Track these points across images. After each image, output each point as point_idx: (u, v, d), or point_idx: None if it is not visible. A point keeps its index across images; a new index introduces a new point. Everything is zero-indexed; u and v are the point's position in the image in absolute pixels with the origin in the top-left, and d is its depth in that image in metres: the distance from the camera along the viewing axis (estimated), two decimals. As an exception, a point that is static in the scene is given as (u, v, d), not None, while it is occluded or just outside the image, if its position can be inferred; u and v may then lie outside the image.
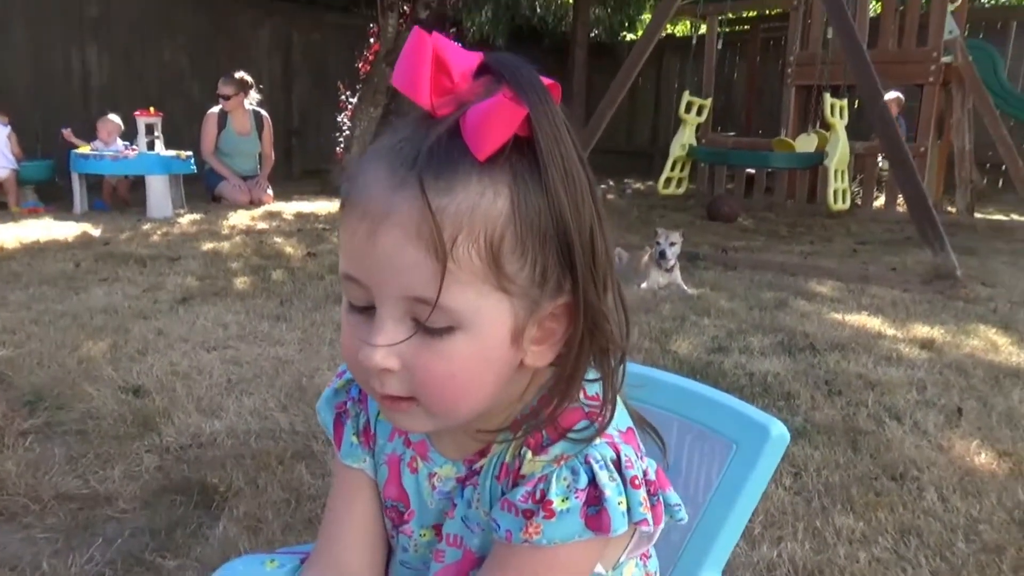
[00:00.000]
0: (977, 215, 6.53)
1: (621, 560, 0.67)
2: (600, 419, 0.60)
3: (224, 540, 1.46)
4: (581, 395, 0.62)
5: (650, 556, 0.75)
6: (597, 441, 0.60)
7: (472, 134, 0.52)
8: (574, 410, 0.61)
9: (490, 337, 0.56)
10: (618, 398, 0.63)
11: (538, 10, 11.66)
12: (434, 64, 0.53)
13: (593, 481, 0.58)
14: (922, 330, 3.01)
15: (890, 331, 3.00)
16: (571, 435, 0.60)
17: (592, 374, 0.63)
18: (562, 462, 0.59)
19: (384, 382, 0.58)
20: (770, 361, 2.58)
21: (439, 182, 0.52)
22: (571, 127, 0.56)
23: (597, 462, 0.59)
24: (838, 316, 3.21)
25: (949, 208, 6.81)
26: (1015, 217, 6.61)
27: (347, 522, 0.73)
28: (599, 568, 0.65)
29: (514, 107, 0.51)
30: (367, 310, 0.57)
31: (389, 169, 0.54)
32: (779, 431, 0.88)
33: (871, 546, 1.49)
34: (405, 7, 7.55)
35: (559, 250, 0.55)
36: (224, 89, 6.48)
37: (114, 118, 6.12)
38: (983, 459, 1.88)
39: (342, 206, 0.58)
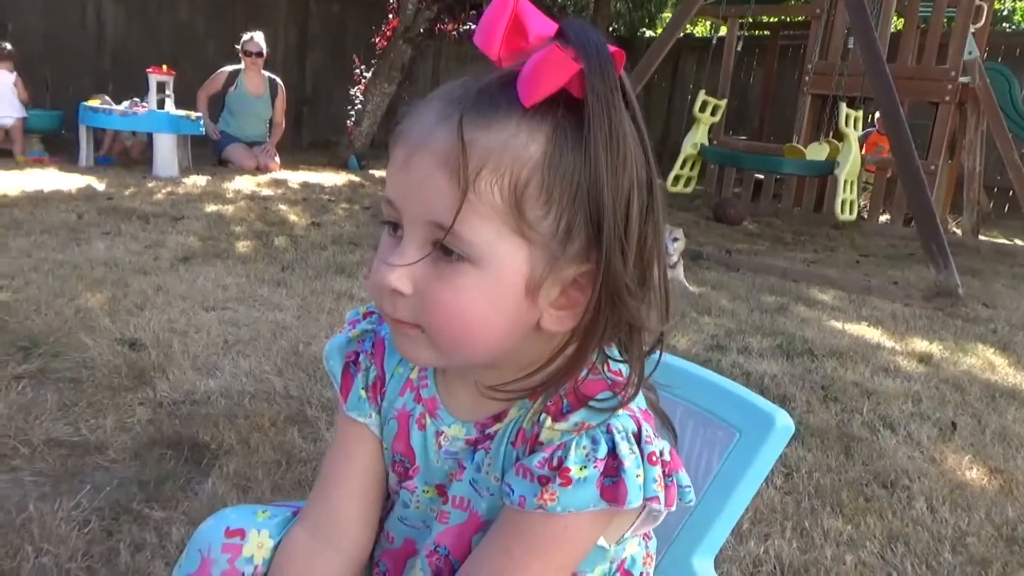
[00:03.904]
0: (981, 237, 6.51)
1: (626, 536, 0.66)
2: (624, 393, 0.60)
3: (213, 496, 1.46)
4: (604, 368, 0.62)
5: (651, 537, 0.74)
6: (619, 412, 0.59)
7: (523, 80, 0.53)
8: (597, 380, 0.61)
9: (502, 280, 0.56)
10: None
11: (560, -1, 11.58)
12: (512, 25, 0.55)
13: (613, 451, 0.58)
14: (920, 344, 3.00)
15: (889, 343, 3.00)
16: (593, 404, 0.60)
17: (618, 354, 0.63)
18: (582, 430, 0.59)
19: (396, 305, 0.59)
20: (768, 363, 2.57)
21: (478, 118, 0.54)
22: (634, 98, 0.56)
23: (619, 432, 0.58)
24: (838, 324, 3.21)
25: (953, 228, 6.80)
26: (1018, 242, 6.61)
27: (345, 475, 0.72)
28: (603, 542, 0.64)
29: (568, 61, 0.53)
30: (398, 234, 0.59)
31: (439, 106, 0.57)
32: (784, 422, 0.88)
33: (858, 550, 1.49)
34: (426, -15, 7.49)
35: (588, 211, 0.55)
36: (262, 47, 6.51)
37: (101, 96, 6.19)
38: (974, 474, 1.88)
39: (393, 139, 0.60)
